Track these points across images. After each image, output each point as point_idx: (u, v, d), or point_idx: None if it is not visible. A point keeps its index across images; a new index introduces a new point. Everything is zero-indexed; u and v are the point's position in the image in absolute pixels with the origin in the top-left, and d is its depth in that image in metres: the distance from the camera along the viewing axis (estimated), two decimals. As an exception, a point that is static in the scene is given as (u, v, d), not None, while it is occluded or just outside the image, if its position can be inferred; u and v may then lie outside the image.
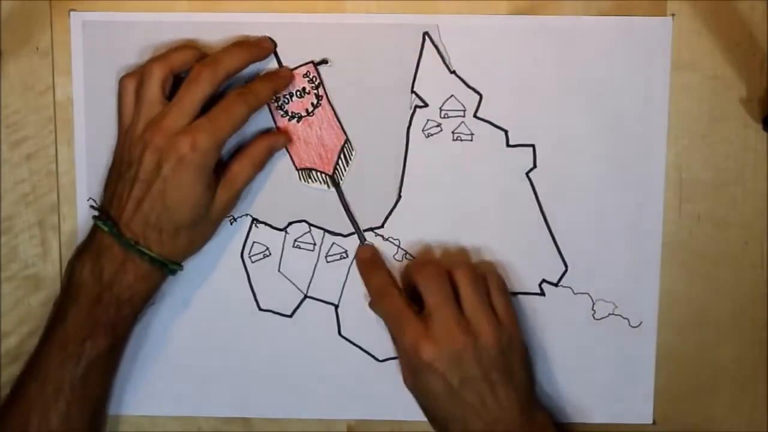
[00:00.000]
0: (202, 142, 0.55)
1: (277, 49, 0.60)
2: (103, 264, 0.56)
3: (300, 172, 0.62)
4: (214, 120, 0.56)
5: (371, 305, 0.61)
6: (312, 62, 0.61)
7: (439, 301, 0.58)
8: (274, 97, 0.61)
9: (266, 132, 0.61)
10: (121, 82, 0.58)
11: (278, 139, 0.60)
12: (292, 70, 0.61)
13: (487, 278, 0.60)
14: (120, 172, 0.57)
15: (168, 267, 0.57)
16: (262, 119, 0.61)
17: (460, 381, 0.57)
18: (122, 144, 0.58)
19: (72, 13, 0.61)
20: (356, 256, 0.62)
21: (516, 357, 0.59)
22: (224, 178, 0.58)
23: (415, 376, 0.58)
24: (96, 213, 0.58)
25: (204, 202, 0.57)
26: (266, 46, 0.60)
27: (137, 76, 0.57)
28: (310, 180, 0.62)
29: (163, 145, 0.55)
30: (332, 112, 0.61)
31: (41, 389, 0.56)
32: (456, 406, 0.57)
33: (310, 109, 0.61)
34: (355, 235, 0.62)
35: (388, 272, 0.62)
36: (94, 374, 0.57)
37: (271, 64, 0.61)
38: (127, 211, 0.56)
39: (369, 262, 0.62)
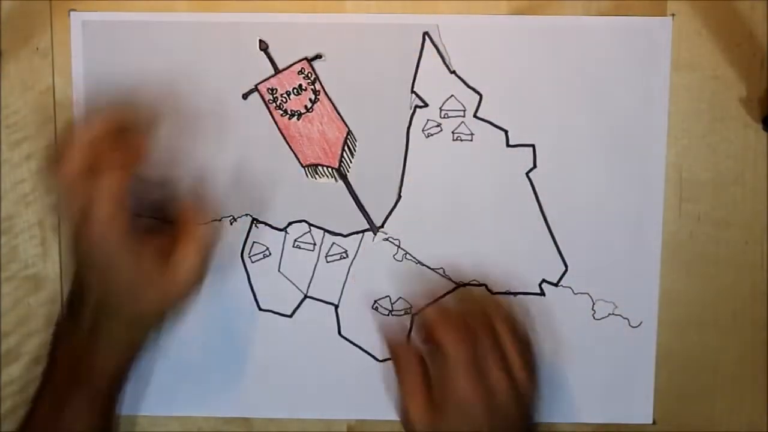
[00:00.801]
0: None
1: (277, 50, 0.60)
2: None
3: (306, 168, 0.62)
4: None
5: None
6: (305, 58, 0.61)
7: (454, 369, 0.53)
8: (272, 97, 0.61)
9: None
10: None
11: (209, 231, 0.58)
12: (286, 68, 0.61)
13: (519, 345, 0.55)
14: None
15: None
16: (262, 120, 0.61)
17: None
18: None
19: (72, 13, 0.61)
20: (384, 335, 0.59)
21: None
22: (168, 272, 0.55)
23: None
24: None
25: None
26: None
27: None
28: (317, 176, 0.62)
29: None
30: (331, 105, 0.61)
31: None
32: None
33: (309, 105, 0.61)
34: (356, 235, 0.62)
35: (406, 330, 0.61)
36: None
37: (265, 64, 0.61)
38: None
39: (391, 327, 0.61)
